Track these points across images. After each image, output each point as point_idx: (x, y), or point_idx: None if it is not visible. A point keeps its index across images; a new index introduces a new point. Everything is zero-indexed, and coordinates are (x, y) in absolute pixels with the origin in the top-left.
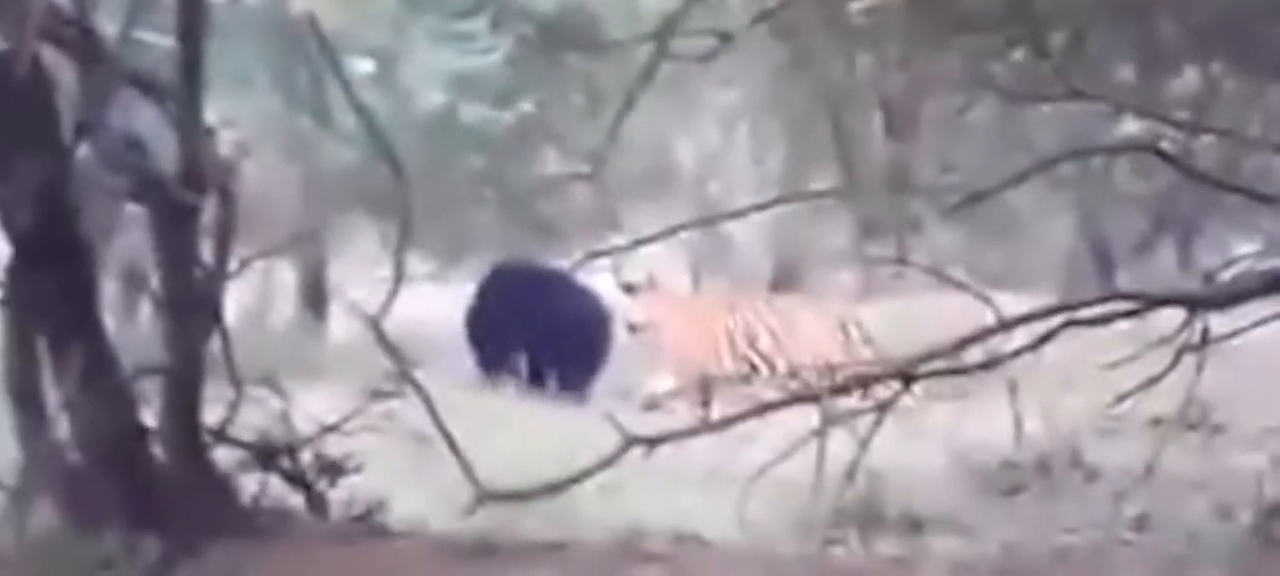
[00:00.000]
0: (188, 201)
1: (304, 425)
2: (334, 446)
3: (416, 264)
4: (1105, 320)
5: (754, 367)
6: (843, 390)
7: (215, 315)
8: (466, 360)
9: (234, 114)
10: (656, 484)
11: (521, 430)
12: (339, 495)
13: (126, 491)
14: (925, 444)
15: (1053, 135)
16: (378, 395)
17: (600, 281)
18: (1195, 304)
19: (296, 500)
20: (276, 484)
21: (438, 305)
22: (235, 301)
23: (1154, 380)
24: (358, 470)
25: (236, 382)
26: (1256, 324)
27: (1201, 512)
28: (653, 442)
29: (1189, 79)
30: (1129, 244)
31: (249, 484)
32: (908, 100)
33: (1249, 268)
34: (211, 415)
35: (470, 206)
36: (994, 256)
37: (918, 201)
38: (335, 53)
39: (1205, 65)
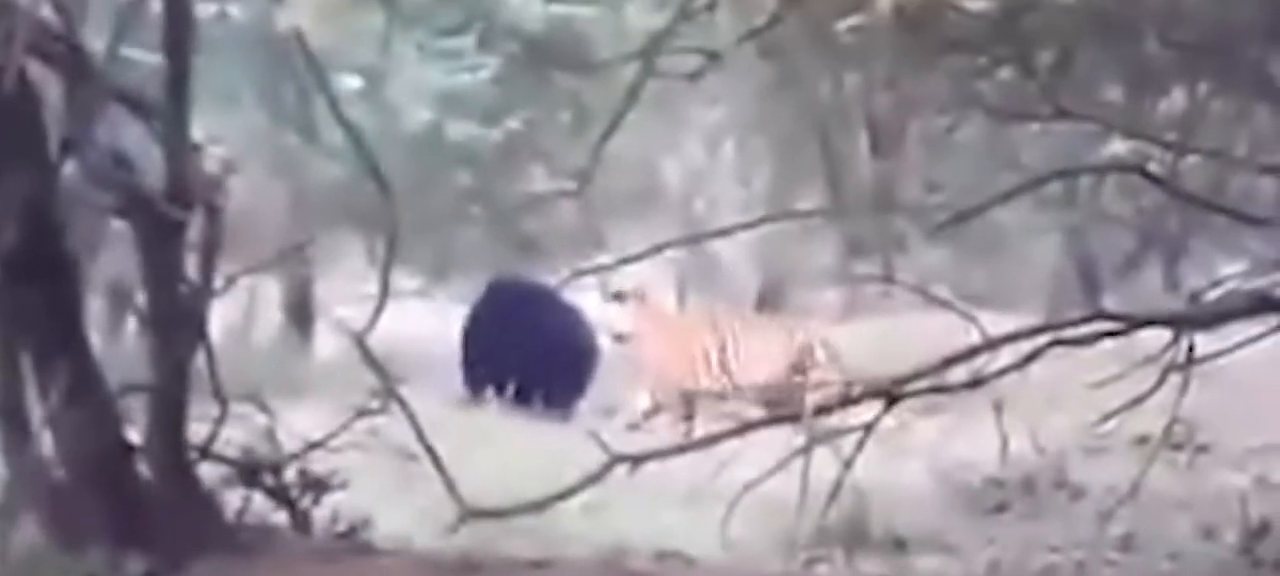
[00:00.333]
0: (173, 218)
1: (289, 442)
2: (319, 463)
3: (403, 280)
4: (1090, 340)
5: (732, 386)
6: (827, 409)
7: (200, 332)
8: (452, 377)
9: (221, 131)
10: (640, 502)
11: (506, 448)
12: (323, 512)
13: (111, 508)
14: (910, 463)
15: (1039, 155)
16: (363, 412)
17: (588, 298)
18: (1181, 324)
19: (281, 517)
20: (261, 500)
21: (424, 322)
22: (220, 318)
23: (1139, 400)
24: (342, 487)
25: (221, 399)
26: (1241, 344)
27: (1186, 532)
28: (637, 460)
29: (1176, 99)
30: (1115, 264)
31: (233, 500)
32: (894, 119)
33: (1235, 288)
34: (196, 432)
35: (457, 223)
36: (980, 276)
37: (904, 220)
38: (322, 70)
39: (1192, 86)
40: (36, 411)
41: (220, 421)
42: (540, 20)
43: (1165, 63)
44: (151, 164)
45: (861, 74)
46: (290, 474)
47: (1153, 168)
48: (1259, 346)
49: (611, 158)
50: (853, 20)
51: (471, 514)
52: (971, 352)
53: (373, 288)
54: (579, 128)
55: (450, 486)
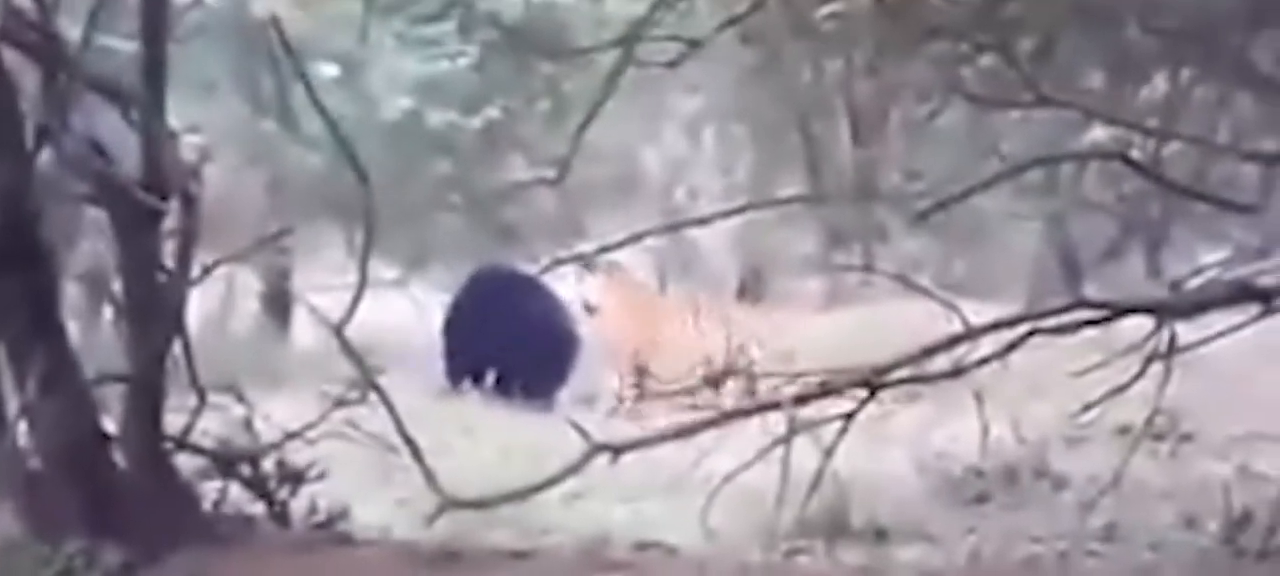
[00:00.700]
0: (150, 206)
1: (267, 432)
2: (296, 454)
3: (382, 270)
4: (1072, 328)
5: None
6: (806, 399)
7: (177, 321)
8: (431, 367)
9: (198, 119)
10: (621, 492)
11: (486, 438)
12: (301, 503)
13: (87, 498)
14: (891, 452)
15: (1021, 142)
16: (341, 402)
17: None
18: (1163, 312)
19: (258, 508)
20: (238, 491)
21: (403, 312)
22: (198, 307)
23: (1121, 389)
24: (320, 477)
25: (199, 389)
26: (1224, 333)
27: (1169, 522)
28: (617, 450)
29: (1157, 86)
30: (1096, 251)
31: (210, 491)
32: (875, 107)
33: (1217, 276)
34: (173, 422)
35: (436, 212)
36: (961, 264)
37: (885, 208)
38: (300, 58)
39: (1174, 72)
40: (12, 401)
41: (197, 412)
42: (519, 8)
43: (1147, 49)
44: (128, 152)
45: (842, 61)
46: (268, 464)
47: (1134, 155)
48: (1241, 335)
49: (591, 146)
50: (833, 7)
51: (451, 504)
52: (952, 341)
53: (351, 277)
54: (558, 116)
55: (429, 477)
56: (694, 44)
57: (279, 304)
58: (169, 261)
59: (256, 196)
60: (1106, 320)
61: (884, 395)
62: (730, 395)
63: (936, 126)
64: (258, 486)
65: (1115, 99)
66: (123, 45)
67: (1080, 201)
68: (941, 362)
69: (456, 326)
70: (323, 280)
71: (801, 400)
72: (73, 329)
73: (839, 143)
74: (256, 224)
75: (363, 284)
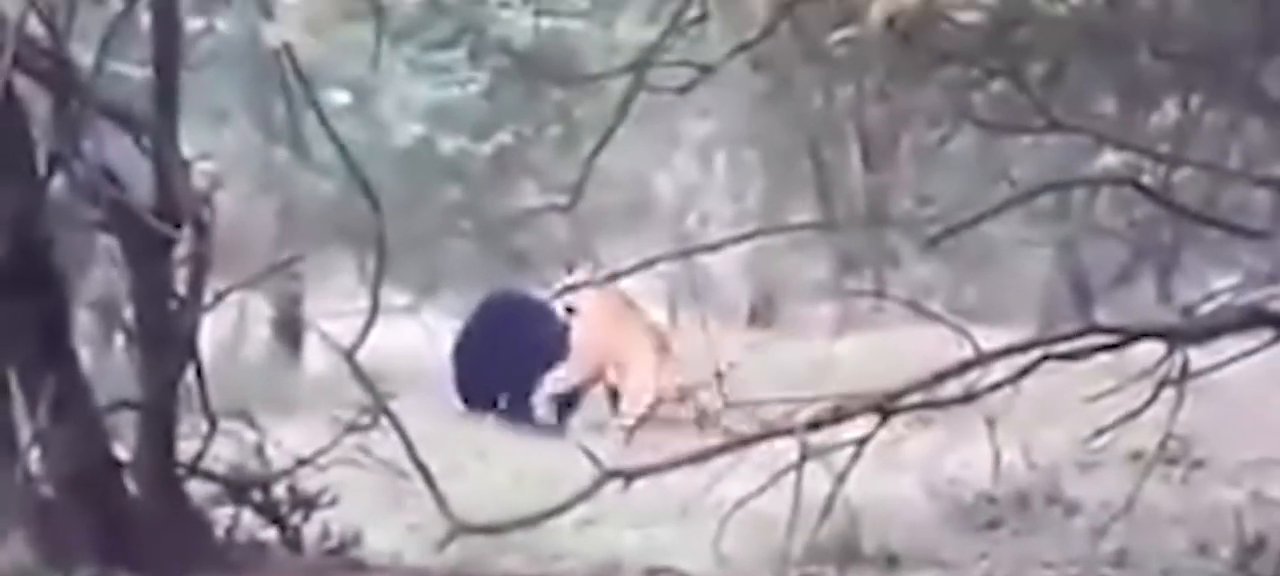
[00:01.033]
0: (162, 233)
1: (279, 458)
2: (308, 479)
3: (393, 296)
4: (1084, 354)
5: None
6: (818, 424)
7: (190, 348)
8: (443, 392)
9: (210, 146)
10: (633, 517)
11: (498, 463)
12: (313, 528)
13: (100, 526)
14: (902, 478)
15: (1032, 168)
16: (353, 428)
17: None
18: (1174, 338)
19: (271, 534)
20: (250, 517)
21: (414, 337)
22: (210, 334)
23: (1133, 414)
24: (332, 503)
25: (210, 416)
26: (1236, 358)
27: (1181, 548)
28: (629, 476)
29: (1168, 112)
30: (1108, 277)
31: (223, 518)
32: (886, 132)
33: (1228, 302)
34: (186, 448)
35: (447, 238)
36: (972, 289)
37: (896, 234)
38: (311, 85)
39: (1185, 98)
40: (24, 427)
41: (209, 438)
42: (530, 34)
43: (1157, 75)
44: (140, 179)
45: (853, 87)
46: (280, 490)
47: (1146, 180)
48: (1253, 360)
49: (602, 172)
50: (844, 32)
51: (462, 529)
52: (964, 367)
53: (363, 303)
54: (570, 142)
55: (441, 502)
56: (705, 70)
57: (291, 330)
58: (181, 288)
59: (268, 223)
60: (1118, 345)
61: (896, 420)
62: (742, 421)
63: (947, 152)
64: (270, 512)
65: (1126, 124)
66: (135, 72)
67: (1091, 227)
68: (953, 388)
69: (466, 351)
70: (334, 306)
71: (814, 426)
72: (85, 355)
73: (850, 168)
74: (268, 250)
75: (375, 310)
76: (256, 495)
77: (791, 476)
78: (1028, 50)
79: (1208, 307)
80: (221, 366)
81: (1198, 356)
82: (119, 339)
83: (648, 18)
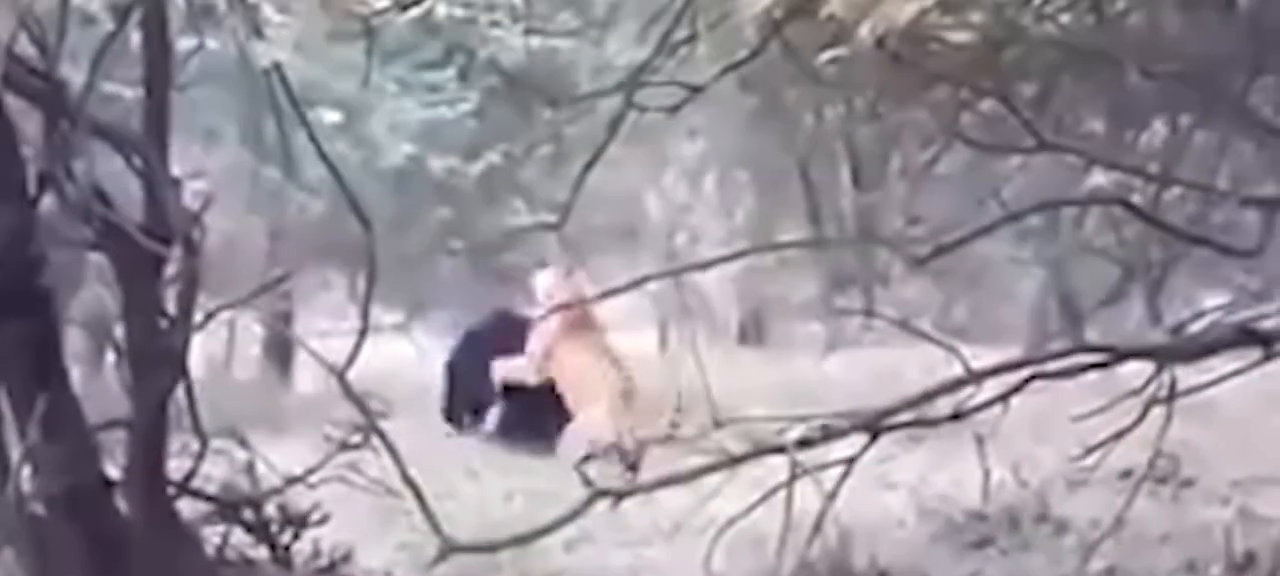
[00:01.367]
0: (153, 253)
1: (270, 477)
2: (300, 498)
3: (384, 315)
4: (1073, 373)
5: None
6: (808, 442)
7: (180, 366)
8: (434, 411)
9: (200, 165)
10: (623, 536)
11: (489, 481)
12: (304, 547)
13: (90, 544)
14: (893, 496)
15: (1021, 187)
16: (344, 446)
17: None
18: (1163, 357)
19: (261, 552)
20: (241, 536)
21: (405, 356)
22: (200, 353)
23: (1122, 433)
24: (323, 521)
25: (201, 434)
26: (1225, 377)
27: (1170, 566)
28: (620, 495)
29: (1157, 132)
30: (1097, 296)
31: (213, 536)
32: (876, 152)
33: (1217, 321)
34: (176, 467)
35: (438, 258)
36: (962, 308)
37: (886, 253)
38: (302, 104)
39: (1174, 118)
40: (15, 446)
41: (200, 457)
42: (520, 54)
43: (1147, 95)
44: (130, 198)
45: (843, 106)
46: (271, 509)
47: (1135, 200)
48: (1243, 379)
49: (592, 191)
50: (834, 52)
51: (453, 548)
52: (954, 385)
53: (353, 322)
54: (559, 162)
55: (432, 521)
56: (695, 90)
57: (281, 349)
58: (171, 307)
59: (259, 242)
60: (1107, 364)
61: (886, 439)
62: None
63: (937, 172)
64: (261, 531)
65: (1115, 144)
66: (126, 91)
67: (1081, 246)
68: (943, 406)
69: (458, 367)
70: (325, 325)
71: (804, 444)
72: (75, 374)
73: (840, 187)
74: (259, 269)
75: (365, 329)
76: (247, 514)
77: (782, 495)
78: (1017, 70)
79: (1197, 326)
80: (212, 385)
81: (1187, 375)
82: (109, 357)
83: (637, 38)
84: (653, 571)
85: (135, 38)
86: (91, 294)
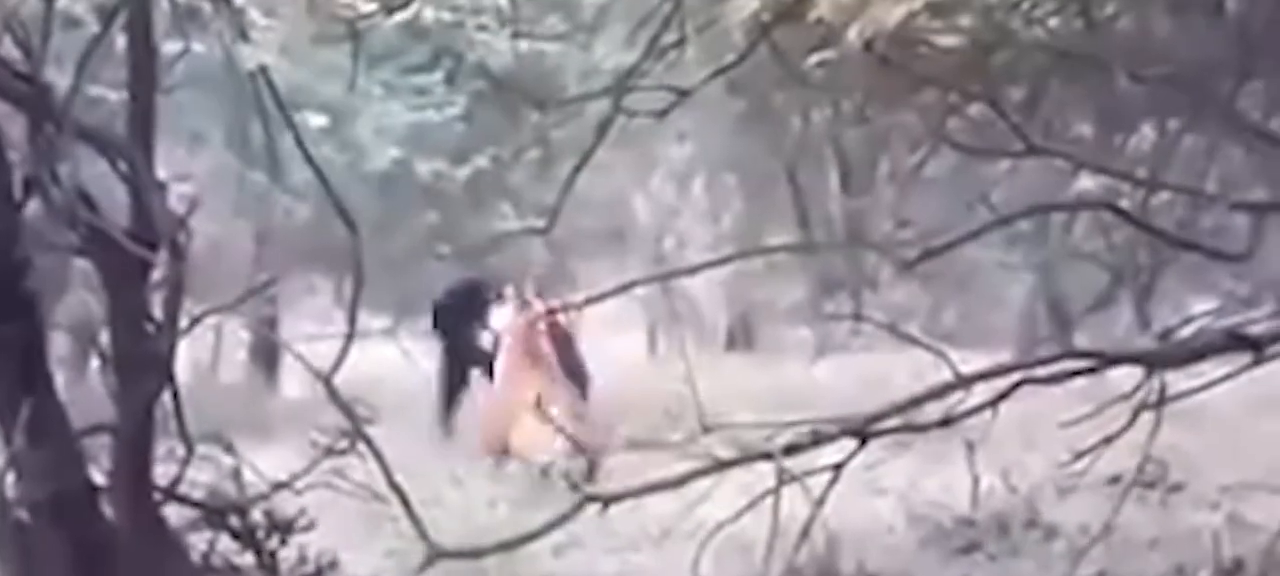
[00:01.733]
0: (139, 257)
1: (256, 482)
2: (286, 504)
3: (370, 319)
4: (1062, 378)
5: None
6: (796, 448)
7: (166, 371)
8: (421, 417)
9: (186, 169)
10: (611, 542)
11: (475, 487)
12: (290, 553)
13: (76, 550)
14: (882, 502)
15: (1010, 192)
16: (330, 452)
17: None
18: (1152, 362)
19: (247, 558)
20: (227, 542)
21: (392, 361)
22: (186, 357)
23: (1111, 438)
24: (309, 528)
25: (187, 440)
26: (1213, 382)
27: (1159, 571)
28: (608, 500)
29: (1146, 136)
30: (1086, 301)
31: (199, 542)
32: (864, 156)
33: (1206, 325)
34: (162, 473)
35: (425, 261)
36: (951, 313)
37: (874, 257)
38: (288, 107)
39: (1162, 122)
40: (0, 452)
41: (186, 462)
42: (507, 57)
43: (1135, 99)
44: (116, 202)
45: (831, 110)
46: (257, 515)
47: (1123, 204)
48: (1231, 384)
49: (580, 195)
50: (822, 56)
51: (440, 554)
52: (943, 390)
53: (340, 326)
54: (547, 165)
55: (418, 526)
56: (683, 93)
57: (267, 354)
58: (157, 312)
59: (245, 246)
60: (1096, 369)
61: (874, 444)
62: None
63: (925, 176)
64: (247, 537)
65: (1104, 148)
66: (111, 95)
67: (1070, 251)
68: (932, 412)
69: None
70: (311, 329)
71: (792, 449)
72: (60, 379)
73: (828, 192)
74: (245, 274)
75: (351, 333)
76: (233, 519)
77: (770, 500)
78: (1006, 74)
79: (1186, 331)
80: (198, 390)
81: (1176, 380)
82: (94, 362)
83: (625, 42)
84: None
85: (120, 41)
86: (76, 298)
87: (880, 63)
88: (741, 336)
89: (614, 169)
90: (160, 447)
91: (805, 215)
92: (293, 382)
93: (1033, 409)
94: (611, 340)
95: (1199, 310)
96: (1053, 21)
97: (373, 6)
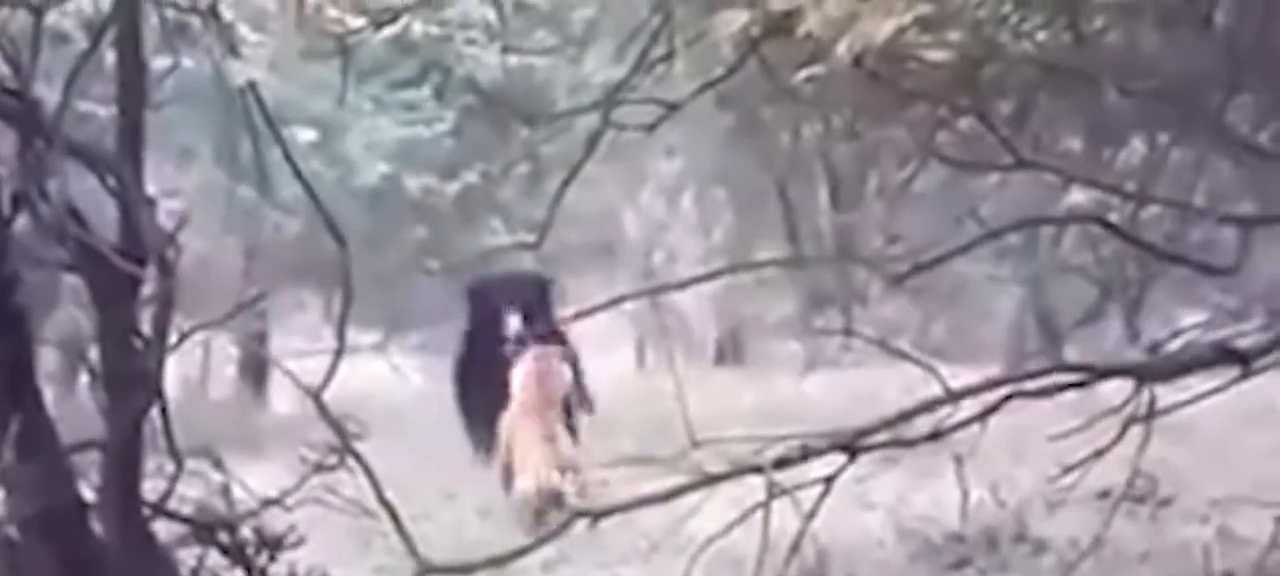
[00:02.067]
0: (128, 273)
1: (245, 498)
2: (275, 520)
3: (359, 335)
4: (1051, 392)
5: None
6: (786, 462)
7: (155, 387)
8: (411, 431)
9: (175, 184)
10: (601, 556)
11: (467, 502)
12: (280, 569)
13: (65, 567)
14: (871, 516)
15: (999, 206)
16: (320, 467)
17: None
18: (1142, 375)
19: (237, 574)
20: (216, 558)
21: (382, 376)
22: (175, 373)
23: (1100, 452)
24: (299, 544)
25: (176, 456)
26: (1203, 395)
27: None
28: (597, 515)
29: (1135, 150)
30: (1075, 315)
31: (188, 558)
32: (854, 170)
33: (1195, 339)
34: (151, 489)
35: (414, 277)
36: (940, 327)
37: (864, 271)
38: (277, 123)
39: (1151, 136)
40: None
41: (175, 478)
42: (496, 72)
43: (1124, 113)
44: (105, 218)
45: (820, 125)
46: (246, 531)
47: (1113, 218)
48: (1221, 398)
49: (569, 210)
50: (811, 71)
51: (430, 570)
52: (932, 405)
53: (329, 342)
54: (536, 180)
55: (408, 542)
56: (672, 108)
57: (256, 370)
58: (146, 328)
59: (234, 262)
60: (1086, 383)
61: (863, 459)
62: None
63: (915, 190)
64: (236, 553)
65: (1093, 162)
66: (100, 110)
67: (1059, 265)
68: (921, 426)
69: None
70: (300, 345)
71: (782, 464)
72: (49, 395)
73: (818, 206)
74: (234, 289)
75: (341, 349)
76: (223, 536)
77: (760, 514)
78: (995, 88)
79: (1175, 345)
80: (187, 406)
81: (1165, 394)
82: (83, 378)
83: (614, 56)
84: None
85: (110, 56)
86: (66, 314)
87: (870, 78)
88: (731, 351)
89: (603, 183)
90: (149, 463)
91: (795, 230)
92: (282, 398)
93: (1022, 423)
94: (600, 354)
95: (1188, 323)
96: (1041, 36)
97: (361, 22)
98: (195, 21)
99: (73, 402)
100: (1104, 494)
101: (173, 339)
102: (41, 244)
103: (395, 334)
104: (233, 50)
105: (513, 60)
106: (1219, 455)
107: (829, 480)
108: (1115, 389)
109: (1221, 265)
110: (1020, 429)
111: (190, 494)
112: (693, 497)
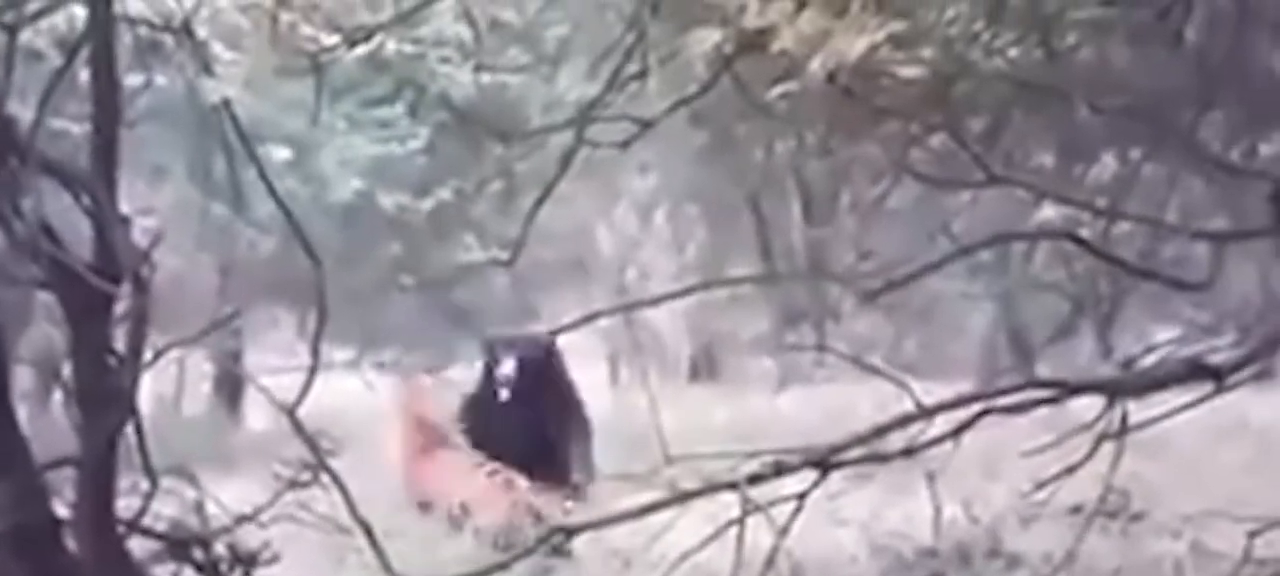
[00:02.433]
0: (102, 291)
1: (220, 515)
2: (250, 537)
3: (333, 352)
4: (1024, 408)
5: None
6: (759, 478)
7: (129, 405)
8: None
9: (149, 202)
10: (576, 573)
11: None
12: None
13: None
14: (844, 532)
15: (972, 222)
16: (294, 484)
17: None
18: (1114, 391)
19: None
20: (191, 575)
21: (355, 393)
22: (150, 390)
23: (1073, 468)
24: (273, 560)
25: (151, 473)
26: (1175, 411)
27: None
28: (571, 531)
29: (1107, 166)
30: (1048, 331)
31: (163, 575)
32: (827, 187)
33: (1168, 355)
34: (126, 506)
35: (388, 294)
36: (913, 343)
37: (837, 288)
38: (251, 140)
39: (1123, 152)
40: None
41: (149, 495)
42: (470, 89)
43: (1096, 129)
44: (79, 236)
45: (794, 141)
46: (221, 548)
47: (1085, 234)
48: (1193, 413)
49: (543, 227)
50: (784, 87)
51: None
52: (905, 421)
53: (303, 359)
54: (510, 197)
55: (382, 558)
56: (645, 125)
57: (231, 387)
58: (120, 345)
59: (208, 279)
60: (1058, 399)
61: (836, 475)
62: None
63: (887, 207)
64: (211, 569)
65: (1065, 178)
66: (73, 127)
67: (1031, 281)
68: (894, 442)
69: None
70: (274, 362)
71: (755, 480)
72: (23, 413)
73: (791, 223)
74: (209, 307)
75: (315, 366)
76: (197, 552)
77: (734, 530)
78: (967, 105)
79: (1148, 360)
80: (161, 423)
81: (1138, 409)
82: (58, 396)
83: (588, 73)
84: None
85: (84, 74)
86: (40, 332)
87: (843, 94)
88: (705, 367)
89: (577, 200)
90: (124, 480)
91: (768, 246)
92: (257, 415)
93: (995, 438)
94: (574, 371)
95: (1161, 339)
96: (1013, 52)
97: (335, 40)
98: (169, 39)
99: (47, 420)
100: (1077, 509)
101: (147, 356)
102: (15, 261)
103: (369, 350)
104: (206, 68)
105: (486, 78)
106: (1192, 470)
107: (802, 496)
108: (1088, 404)
109: (1194, 281)
110: (993, 445)
111: (165, 511)
112: (666, 514)
